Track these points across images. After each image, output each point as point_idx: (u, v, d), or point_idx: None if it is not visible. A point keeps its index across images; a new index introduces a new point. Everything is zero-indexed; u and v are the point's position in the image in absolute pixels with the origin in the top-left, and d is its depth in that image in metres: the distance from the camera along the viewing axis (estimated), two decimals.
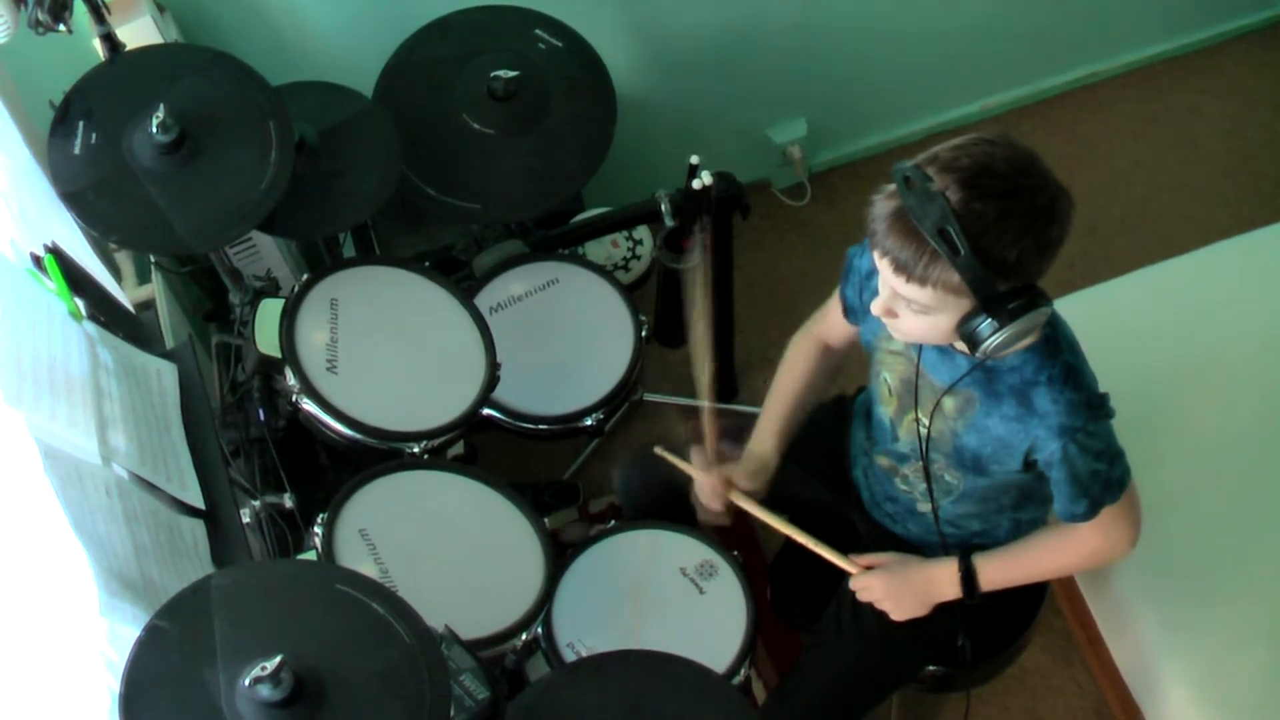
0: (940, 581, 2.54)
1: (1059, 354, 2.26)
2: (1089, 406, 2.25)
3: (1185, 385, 3.15)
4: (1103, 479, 2.28)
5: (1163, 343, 3.22)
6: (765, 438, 2.76)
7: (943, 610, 2.65)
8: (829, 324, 2.71)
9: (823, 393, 2.80)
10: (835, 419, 2.87)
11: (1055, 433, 2.25)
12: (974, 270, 2.02)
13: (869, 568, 2.60)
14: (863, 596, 2.61)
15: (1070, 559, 2.53)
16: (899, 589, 2.57)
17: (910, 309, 2.17)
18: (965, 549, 2.54)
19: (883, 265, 2.14)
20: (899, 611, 2.59)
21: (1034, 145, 2.09)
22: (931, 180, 2.02)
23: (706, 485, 2.73)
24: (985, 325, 2.10)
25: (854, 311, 2.58)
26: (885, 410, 2.59)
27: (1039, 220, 2.04)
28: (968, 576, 2.50)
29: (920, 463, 2.52)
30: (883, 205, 2.10)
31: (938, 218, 2.00)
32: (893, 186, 2.07)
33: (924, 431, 2.46)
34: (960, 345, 2.22)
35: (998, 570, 2.51)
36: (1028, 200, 2.04)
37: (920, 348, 2.39)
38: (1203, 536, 2.96)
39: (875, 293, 2.23)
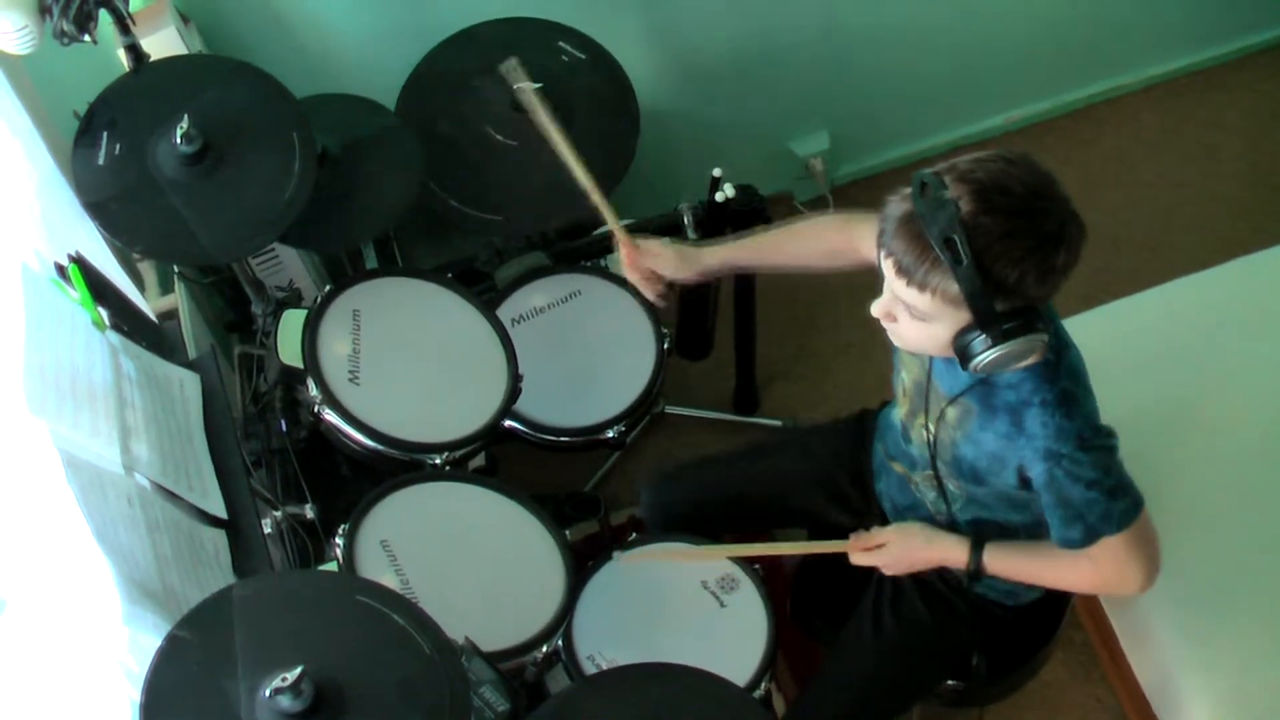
0: (945, 555, 2.53)
1: (1058, 379, 2.24)
2: (1079, 436, 2.23)
3: (1206, 400, 3.14)
4: (1100, 509, 2.25)
5: (1185, 357, 3.21)
6: (719, 248, 2.76)
7: (960, 625, 2.65)
8: (871, 233, 2.50)
9: (805, 267, 2.74)
10: (857, 436, 2.86)
11: (1040, 455, 2.24)
12: (973, 283, 2.01)
13: (877, 548, 2.59)
14: (864, 562, 2.60)
15: (1074, 580, 2.48)
16: (901, 553, 2.57)
17: (909, 314, 2.16)
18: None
19: (886, 266, 2.14)
20: (896, 569, 2.59)
21: (1057, 158, 2.09)
22: (946, 188, 2.02)
23: (623, 252, 2.74)
24: (978, 341, 2.10)
25: None
26: (899, 411, 2.60)
27: (1045, 245, 2.04)
28: (975, 561, 2.47)
29: (928, 471, 2.52)
30: (895, 207, 2.11)
31: (945, 225, 2.00)
32: (909, 190, 2.08)
33: (930, 437, 2.46)
34: None
35: (1005, 563, 2.49)
36: (1037, 223, 2.03)
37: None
38: (1224, 552, 2.94)
39: None
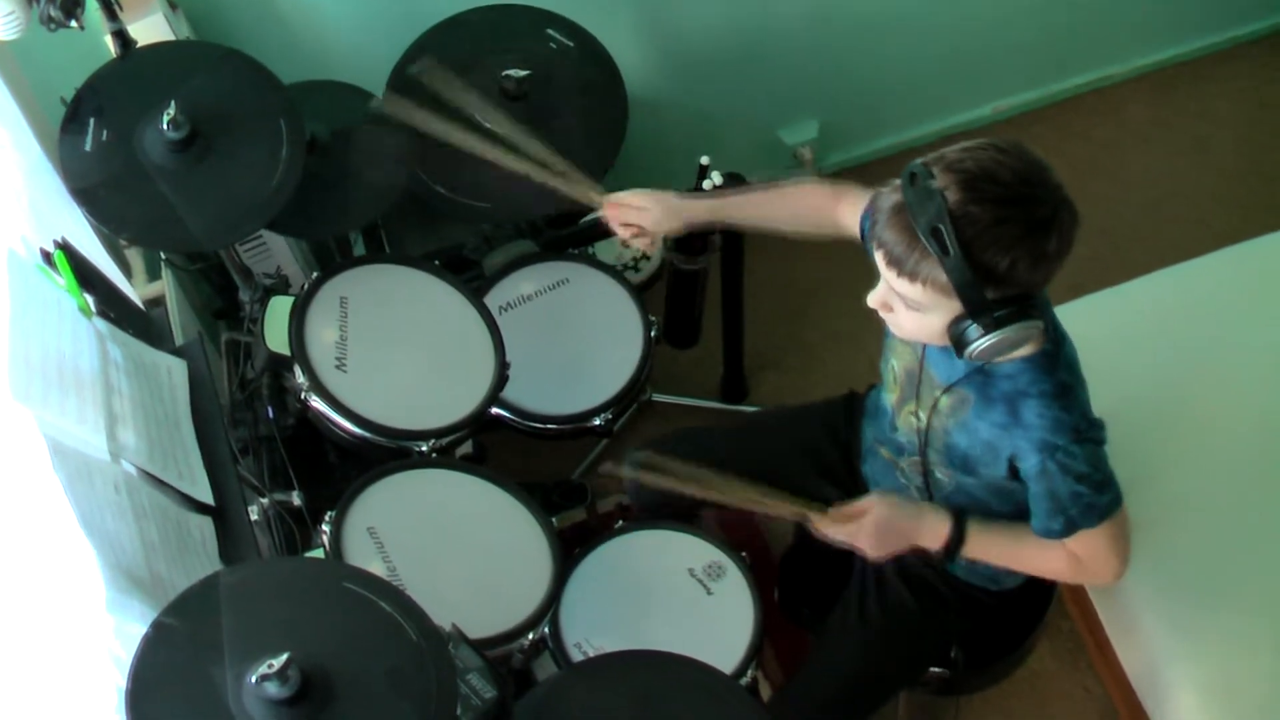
0: (926, 529, 2.48)
1: (1055, 371, 2.25)
2: (1074, 429, 2.24)
3: (1195, 389, 3.14)
4: (1085, 503, 2.27)
5: (1173, 347, 3.21)
6: (704, 200, 2.78)
7: (945, 612, 2.66)
8: (854, 205, 2.55)
9: (787, 228, 2.71)
10: (846, 415, 2.87)
11: (1036, 447, 2.25)
12: (961, 273, 2.02)
13: (854, 518, 2.51)
14: (835, 535, 2.52)
15: (1048, 567, 2.49)
16: (881, 530, 2.48)
17: (904, 304, 2.17)
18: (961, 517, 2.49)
19: (878, 257, 2.15)
20: (874, 551, 2.50)
21: (1046, 149, 2.08)
22: (934, 178, 2.03)
23: (605, 212, 2.76)
24: (972, 329, 2.10)
25: (865, 238, 2.51)
26: (889, 397, 2.60)
27: (1036, 231, 2.04)
28: (956, 538, 2.45)
29: (915, 458, 2.53)
30: (886, 198, 2.11)
31: (932, 216, 2.00)
32: (899, 181, 2.08)
33: (920, 425, 2.46)
34: None
35: (984, 545, 2.48)
36: (1027, 210, 2.03)
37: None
38: (1212, 541, 2.94)
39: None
